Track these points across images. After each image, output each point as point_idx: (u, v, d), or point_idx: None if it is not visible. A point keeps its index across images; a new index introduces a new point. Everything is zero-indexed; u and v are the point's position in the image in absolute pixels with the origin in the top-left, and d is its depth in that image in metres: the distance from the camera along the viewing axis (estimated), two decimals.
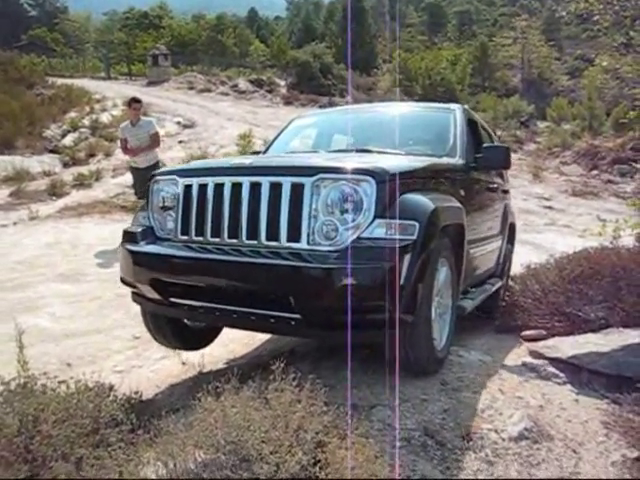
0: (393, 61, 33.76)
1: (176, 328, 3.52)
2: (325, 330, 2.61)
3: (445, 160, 3.60)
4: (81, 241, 7.34)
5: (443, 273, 2.94)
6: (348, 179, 2.53)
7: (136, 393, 2.86)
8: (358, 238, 2.47)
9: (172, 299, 2.92)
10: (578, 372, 3.20)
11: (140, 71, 32.39)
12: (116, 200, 9.70)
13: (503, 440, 2.36)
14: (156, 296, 2.95)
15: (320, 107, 25.30)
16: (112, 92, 21.91)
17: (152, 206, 3.13)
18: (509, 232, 5.15)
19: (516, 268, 5.52)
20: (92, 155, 13.49)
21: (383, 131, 4.19)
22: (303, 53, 31.57)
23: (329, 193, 2.54)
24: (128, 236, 3.14)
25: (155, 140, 7.80)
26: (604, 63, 18.17)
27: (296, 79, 28.98)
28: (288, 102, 25.36)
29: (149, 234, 3.07)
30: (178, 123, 17.01)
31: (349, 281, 2.35)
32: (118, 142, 13.97)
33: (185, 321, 3.56)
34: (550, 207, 12.99)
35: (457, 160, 3.67)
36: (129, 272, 3.07)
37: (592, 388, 3.10)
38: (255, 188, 2.66)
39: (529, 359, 3.34)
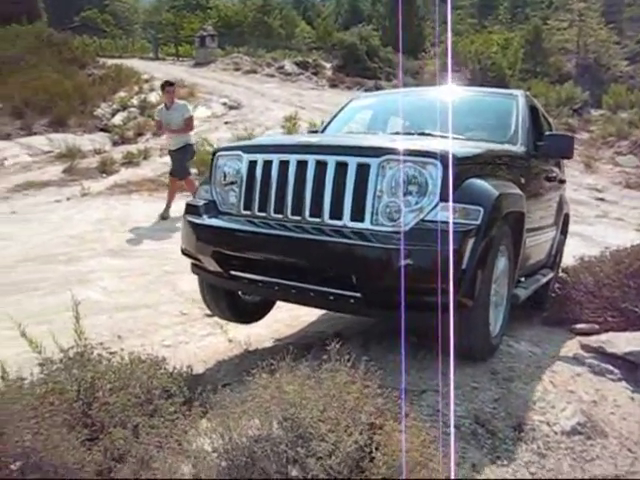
0: (442, 45, 33.08)
1: (232, 301, 3.58)
2: (384, 309, 2.61)
3: (507, 147, 3.55)
4: (130, 218, 7.52)
5: (502, 261, 2.92)
6: (415, 161, 2.52)
7: (187, 367, 2.89)
8: (422, 220, 2.47)
9: (232, 272, 2.98)
10: (634, 369, 3.11)
11: (187, 52, 32.67)
12: (163, 179, 9.85)
13: (555, 433, 2.31)
14: (217, 268, 3.01)
15: (366, 90, 25.03)
16: (160, 72, 22.18)
17: (215, 180, 3.17)
18: (563, 223, 5.07)
19: (567, 260, 5.38)
20: (140, 134, 13.75)
21: (442, 115, 4.07)
22: (349, 35, 31.17)
23: (395, 174, 2.54)
24: (191, 209, 3.20)
25: (188, 124, 7.91)
26: None
27: (342, 61, 28.65)
28: (333, 85, 25.17)
29: (212, 208, 3.11)
30: (224, 104, 17.11)
31: (411, 262, 2.37)
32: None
33: (240, 294, 3.61)
34: (602, 199, 12.56)
35: (519, 147, 3.63)
36: (191, 244, 3.15)
37: None
38: (320, 166, 2.66)
39: (582, 353, 3.25)
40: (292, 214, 2.74)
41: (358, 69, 27.88)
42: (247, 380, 2.68)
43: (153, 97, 15.67)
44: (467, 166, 2.65)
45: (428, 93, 4.89)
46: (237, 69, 25.59)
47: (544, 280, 4.29)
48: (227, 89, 19.93)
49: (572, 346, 3.42)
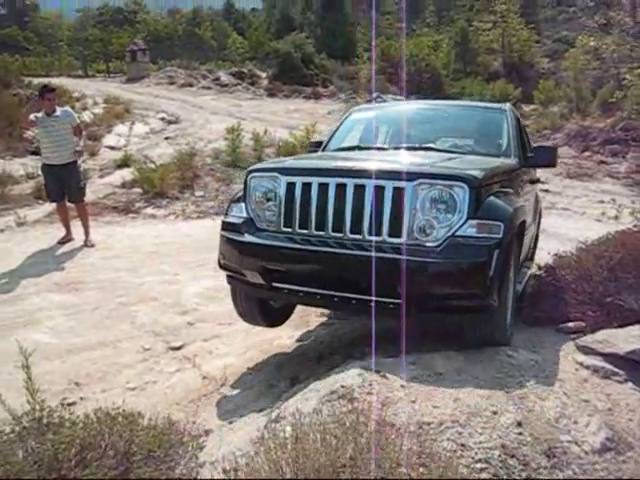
0: (376, 49, 33.42)
1: (262, 308, 3.77)
2: (420, 313, 2.92)
3: (506, 161, 3.93)
4: (74, 246, 6.97)
5: (513, 263, 3.27)
6: (444, 184, 2.91)
7: (164, 417, 2.54)
8: (453, 236, 2.86)
9: (275, 284, 3.21)
10: (635, 368, 2.98)
11: (118, 68, 31.68)
12: (106, 201, 9.30)
13: (586, 453, 2.12)
14: (260, 281, 3.24)
15: (304, 97, 24.93)
16: (91, 90, 21.35)
17: (250, 199, 3.40)
18: (538, 217, 5.56)
19: (541, 254, 5.33)
20: None
21: (441, 130, 4.60)
22: (283, 44, 31.05)
23: (428, 196, 2.91)
24: (230, 226, 3.43)
25: (79, 132, 7.04)
26: (591, 43, 18.03)
27: (278, 70, 28.44)
28: (272, 94, 24.93)
29: (250, 225, 3.34)
30: (162, 119, 16.55)
31: (447, 272, 2.83)
32: (103, 140, 13.79)
33: (269, 302, 3.84)
34: (546, 190, 12.80)
35: (512, 160, 4.04)
36: (236, 260, 3.37)
37: None
38: (359, 189, 2.98)
39: (581, 356, 3.11)
40: (333, 231, 3.04)
41: (295, 77, 27.74)
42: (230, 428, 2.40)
43: (86, 116, 14.93)
44: (485, 186, 3.03)
45: (425, 107, 5.24)
46: (172, 83, 24.96)
47: (529, 273, 4.50)
48: (164, 104, 19.33)
49: (568, 348, 3.28)
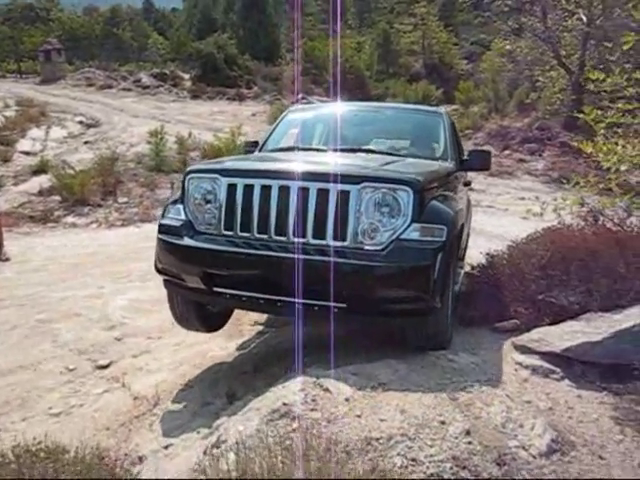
0: (299, 50, 33.45)
1: (200, 313, 3.67)
2: (364, 316, 2.97)
3: (443, 165, 3.98)
4: None
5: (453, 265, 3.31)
6: (389, 187, 2.90)
7: (93, 449, 2.32)
8: (398, 239, 2.84)
9: (215, 288, 3.11)
10: (570, 364, 3.05)
11: (31, 68, 29.94)
12: (22, 210, 8.71)
13: (534, 457, 2.12)
14: (201, 286, 3.12)
15: (228, 99, 24.53)
16: (2, 91, 20.06)
17: (188, 201, 3.26)
18: (470, 217, 5.57)
19: (472, 253, 5.42)
20: None
21: (379, 132, 4.62)
22: (206, 45, 30.40)
23: (372, 199, 2.89)
24: (167, 229, 3.28)
25: None
26: (507, 47, 18.76)
27: (201, 71, 27.83)
28: (195, 95, 24.37)
29: (189, 228, 3.20)
30: (81, 122, 15.77)
31: (392, 275, 2.82)
32: (16, 145, 12.92)
33: (207, 306, 3.72)
34: (470, 188, 13.19)
35: (449, 163, 4.10)
36: (174, 264, 3.25)
37: (588, 380, 2.97)
38: (303, 191, 2.91)
39: (519, 356, 3.14)
40: (276, 234, 2.97)
41: (218, 78, 27.25)
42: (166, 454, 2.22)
43: None
44: (428, 189, 3.05)
45: (360, 108, 5.18)
46: (90, 84, 23.89)
47: (462, 272, 4.51)
48: (82, 106, 18.44)
49: (506, 349, 3.31)
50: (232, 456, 1.92)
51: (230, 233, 3.08)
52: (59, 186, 9.41)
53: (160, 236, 3.32)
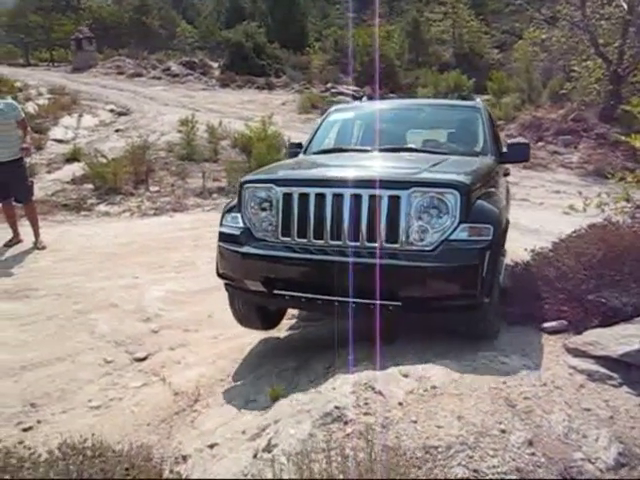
0: (327, 38, 33.19)
1: (260, 312, 3.87)
2: (419, 313, 3.14)
3: (485, 160, 4.07)
4: (23, 248, 6.50)
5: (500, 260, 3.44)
6: (437, 192, 3.04)
7: (139, 447, 2.28)
8: (447, 240, 3.00)
9: (276, 291, 3.27)
10: (628, 370, 2.91)
11: (62, 57, 30.26)
12: (56, 198, 8.78)
13: (602, 472, 2.01)
14: (261, 289, 3.30)
15: (257, 88, 24.47)
16: (34, 80, 20.29)
17: (246, 209, 3.44)
18: (509, 204, 5.72)
19: (513, 247, 5.27)
20: None
21: (420, 130, 4.88)
22: (234, 33, 30.33)
23: (422, 202, 3.03)
24: (228, 238, 3.47)
25: (23, 127, 6.47)
26: (543, 36, 18.26)
27: (229, 60, 27.79)
28: (224, 84, 24.35)
29: (248, 236, 3.38)
30: (112, 111, 15.87)
31: (444, 274, 2.96)
32: (49, 133, 13.05)
33: (267, 306, 3.90)
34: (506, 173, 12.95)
35: (490, 158, 4.20)
36: (235, 270, 3.44)
37: None
38: (356, 198, 3.07)
39: (572, 359, 3.01)
40: (332, 239, 3.13)
41: (247, 67, 27.17)
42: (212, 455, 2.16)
43: (31, 107, 14.12)
44: (474, 190, 3.15)
45: (399, 106, 5.37)
46: (120, 73, 24.05)
47: (505, 262, 4.44)
48: (113, 95, 18.56)
49: (557, 351, 3.19)
50: (286, 461, 1.85)
51: (287, 239, 3.25)
52: (92, 174, 9.45)
53: (221, 244, 3.51)
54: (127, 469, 2.06)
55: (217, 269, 3.61)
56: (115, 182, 9.34)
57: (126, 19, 38.15)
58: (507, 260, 4.83)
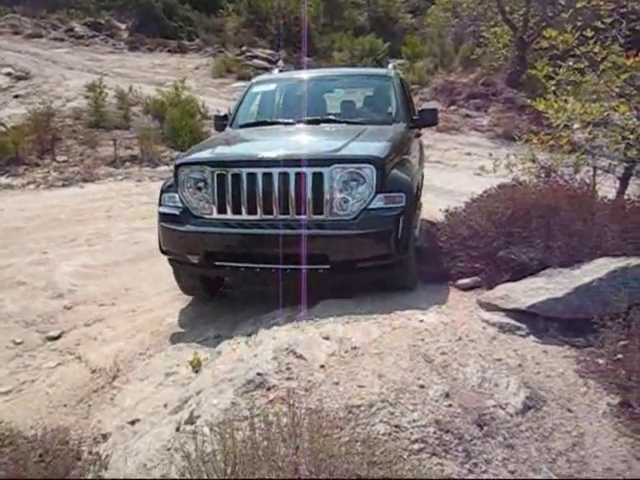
0: (240, 1, 32.16)
1: (203, 282, 4.11)
2: (346, 274, 3.55)
3: (398, 128, 4.44)
4: None
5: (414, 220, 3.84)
6: (355, 167, 3.42)
7: (53, 431, 2.17)
8: (366, 209, 3.40)
9: (217, 263, 3.62)
10: (534, 320, 3.10)
11: None
12: None
13: (511, 416, 2.14)
14: (203, 262, 3.62)
15: (169, 51, 23.41)
16: None
17: (183, 190, 3.68)
18: (423, 160, 6.40)
19: (429, 207, 5.44)
20: None
21: (337, 100, 5.33)
22: None
23: (342, 177, 3.41)
24: (169, 217, 3.72)
25: None
26: (454, 1, 18.61)
27: (138, 22, 26.23)
28: (134, 47, 23.07)
29: (187, 215, 3.64)
30: (9, 74, 14.63)
31: (365, 238, 3.38)
32: None
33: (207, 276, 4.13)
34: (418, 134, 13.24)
35: (402, 125, 4.58)
36: (178, 247, 3.74)
37: (550, 335, 3.02)
38: (284, 176, 3.41)
39: (485, 313, 3.17)
40: (264, 214, 3.46)
41: (158, 29, 25.81)
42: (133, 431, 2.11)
43: None
44: (388, 163, 3.54)
45: (319, 77, 5.57)
46: (16, 32, 22.15)
47: (420, 215, 4.86)
48: (9, 57, 17.08)
49: (471, 306, 3.34)
50: (209, 432, 1.83)
51: (222, 216, 3.55)
52: None
53: (162, 223, 3.75)
54: (41, 455, 1.97)
55: (160, 246, 3.85)
56: (17, 152, 8.71)
57: None
58: (423, 215, 5.06)
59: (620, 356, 2.67)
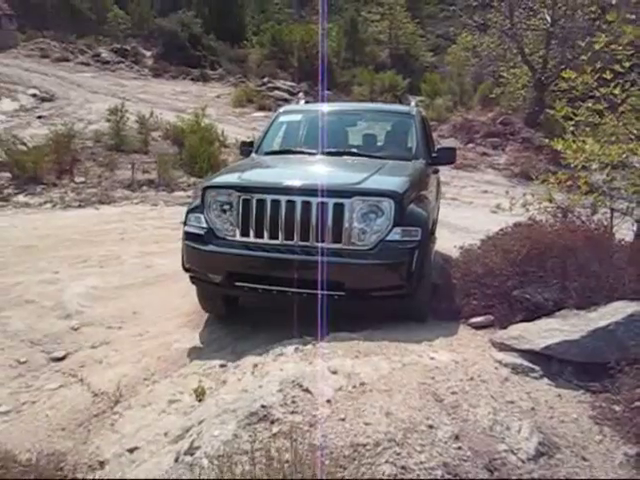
0: (265, 32, 32.85)
1: (224, 301, 4.23)
2: (361, 301, 3.68)
3: (417, 164, 4.59)
4: None
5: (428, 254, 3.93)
6: (375, 200, 3.59)
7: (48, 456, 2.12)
8: (383, 240, 3.55)
9: (236, 283, 3.76)
10: (548, 362, 3.01)
11: None
12: None
13: (523, 462, 2.05)
14: (224, 282, 3.78)
15: (192, 79, 23.91)
16: None
17: (208, 211, 3.84)
18: (440, 195, 6.65)
19: (444, 245, 5.38)
20: None
21: (359, 133, 5.49)
22: (169, 22, 29.48)
23: (362, 209, 3.57)
24: (193, 237, 3.87)
25: None
26: (475, 42, 18.84)
27: (163, 49, 26.97)
28: (157, 74, 23.67)
29: (211, 235, 3.80)
30: (34, 96, 15.02)
31: (380, 269, 3.53)
32: None
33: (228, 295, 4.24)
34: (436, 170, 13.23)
35: (421, 162, 4.72)
36: (201, 265, 3.90)
37: (565, 378, 2.93)
38: (306, 204, 3.56)
39: (497, 353, 3.08)
40: (285, 239, 3.62)
41: (181, 57, 26.49)
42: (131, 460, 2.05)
43: None
44: (406, 197, 3.68)
45: (344, 111, 5.85)
46: (44, 56, 22.84)
47: (434, 248, 4.90)
48: (36, 78, 17.59)
49: (484, 345, 3.26)
50: (208, 464, 1.76)
51: (245, 239, 3.70)
52: (9, 162, 8.90)
53: (187, 242, 3.90)
54: None
55: (183, 264, 3.99)
56: (36, 171, 8.84)
57: None
58: (437, 251, 5.02)
59: (638, 404, 2.57)
